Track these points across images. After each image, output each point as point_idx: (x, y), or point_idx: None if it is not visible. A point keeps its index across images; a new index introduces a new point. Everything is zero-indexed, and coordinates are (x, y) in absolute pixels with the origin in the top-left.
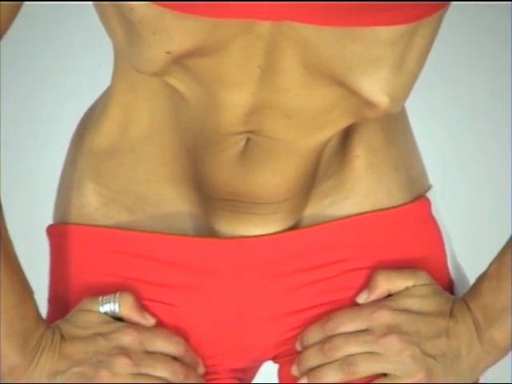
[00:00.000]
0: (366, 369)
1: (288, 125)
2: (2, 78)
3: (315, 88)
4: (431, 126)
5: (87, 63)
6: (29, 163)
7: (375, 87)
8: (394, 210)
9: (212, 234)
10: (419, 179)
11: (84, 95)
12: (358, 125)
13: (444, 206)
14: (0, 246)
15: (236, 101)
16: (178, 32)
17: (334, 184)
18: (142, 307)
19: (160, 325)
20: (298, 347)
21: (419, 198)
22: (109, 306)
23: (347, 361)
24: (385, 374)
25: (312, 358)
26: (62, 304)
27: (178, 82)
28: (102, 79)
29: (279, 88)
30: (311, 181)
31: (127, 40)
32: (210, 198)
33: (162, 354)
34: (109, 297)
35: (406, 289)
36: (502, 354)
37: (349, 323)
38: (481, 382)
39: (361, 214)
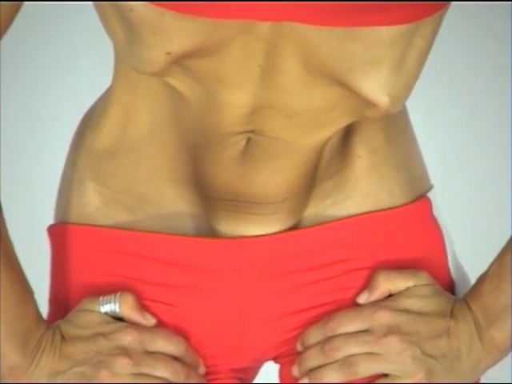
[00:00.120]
0: (366, 369)
1: (288, 125)
2: (2, 78)
3: (315, 88)
4: (431, 126)
5: (87, 63)
6: (29, 163)
7: (375, 87)
8: (395, 210)
9: (212, 234)
10: (420, 179)
11: (84, 95)
12: (358, 124)
13: (444, 205)
14: (0, 246)
15: (236, 101)
16: (178, 33)
17: (334, 184)
18: (143, 307)
19: (160, 325)
20: (299, 347)
21: (420, 198)
22: (109, 306)
23: (348, 361)
24: (385, 375)
25: (312, 359)
26: (62, 304)
27: (178, 82)
28: (102, 79)
29: (279, 88)
30: (311, 181)
31: (127, 41)
32: (211, 197)
33: (162, 354)
34: (109, 297)
35: (407, 289)
36: (503, 354)
37: (349, 324)
38: (481, 381)
39: (362, 214)
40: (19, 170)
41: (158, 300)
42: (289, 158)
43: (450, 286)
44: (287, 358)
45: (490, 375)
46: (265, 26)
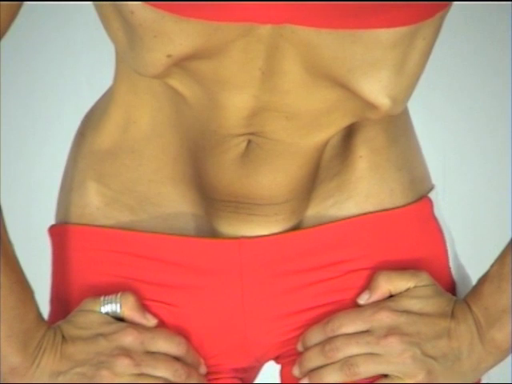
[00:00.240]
0: (366, 370)
1: (289, 126)
2: (2, 78)
3: (316, 90)
4: (432, 127)
5: (87, 63)
6: (29, 163)
7: (376, 89)
8: (397, 211)
9: (213, 234)
10: (421, 179)
11: (84, 95)
12: (360, 125)
13: (445, 206)
14: (0, 247)
15: (237, 103)
16: (179, 35)
17: (336, 184)
18: (144, 307)
19: (161, 325)
20: (300, 348)
21: (421, 198)
22: (110, 307)
23: (348, 362)
24: (386, 375)
25: (313, 359)
26: (63, 304)
27: (179, 83)
28: (102, 79)
29: (280, 90)
30: (313, 182)
31: (128, 43)
32: (212, 198)
33: (163, 354)
34: (110, 297)
35: (407, 290)
36: (503, 355)
37: (350, 324)
38: (482, 382)
39: (363, 214)
40: (19, 170)
41: (159, 300)
42: (290, 160)
43: (451, 287)
44: (288, 358)
45: (490, 375)
46: (265, 29)
